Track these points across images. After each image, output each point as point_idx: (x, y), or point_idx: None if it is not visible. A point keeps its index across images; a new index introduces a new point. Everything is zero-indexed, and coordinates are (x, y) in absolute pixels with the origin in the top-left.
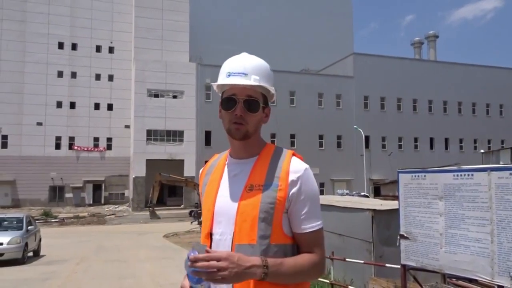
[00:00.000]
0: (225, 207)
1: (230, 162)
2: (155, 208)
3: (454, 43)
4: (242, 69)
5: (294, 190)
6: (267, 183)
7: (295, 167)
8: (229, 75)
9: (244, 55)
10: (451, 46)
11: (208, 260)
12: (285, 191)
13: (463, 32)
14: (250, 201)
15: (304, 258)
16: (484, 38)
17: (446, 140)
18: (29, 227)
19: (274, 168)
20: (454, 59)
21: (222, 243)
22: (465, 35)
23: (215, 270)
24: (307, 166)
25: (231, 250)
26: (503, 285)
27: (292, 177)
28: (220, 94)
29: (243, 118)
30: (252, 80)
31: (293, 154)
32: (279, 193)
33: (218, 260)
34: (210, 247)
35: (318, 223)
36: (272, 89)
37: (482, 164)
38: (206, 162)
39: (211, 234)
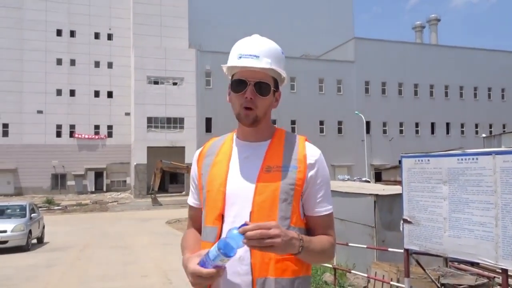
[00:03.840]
0: (240, 188)
1: (239, 144)
2: (156, 195)
3: (459, 26)
4: (254, 51)
5: (312, 173)
6: (285, 164)
7: (312, 151)
8: (240, 57)
9: (256, 37)
10: (456, 29)
11: (258, 229)
12: (304, 173)
13: (468, 15)
14: (270, 181)
15: (324, 238)
16: (489, 20)
17: (447, 124)
18: (32, 215)
19: (290, 151)
20: (458, 43)
21: (236, 225)
22: (470, 17)
23: (268, 238)
24: (320, 151)
25: None
26: (507, 268)
27: (310, 160)
28: (230, 77)
29: (253, 101)
30: (264, 63)
31: (305, 140)
32: (298, 174)
33: (269, 228)
34: (221, 230)
35: (331, 206)
36: (283, 73)
37: (484, 148)
38: None
39: (222, 216)
